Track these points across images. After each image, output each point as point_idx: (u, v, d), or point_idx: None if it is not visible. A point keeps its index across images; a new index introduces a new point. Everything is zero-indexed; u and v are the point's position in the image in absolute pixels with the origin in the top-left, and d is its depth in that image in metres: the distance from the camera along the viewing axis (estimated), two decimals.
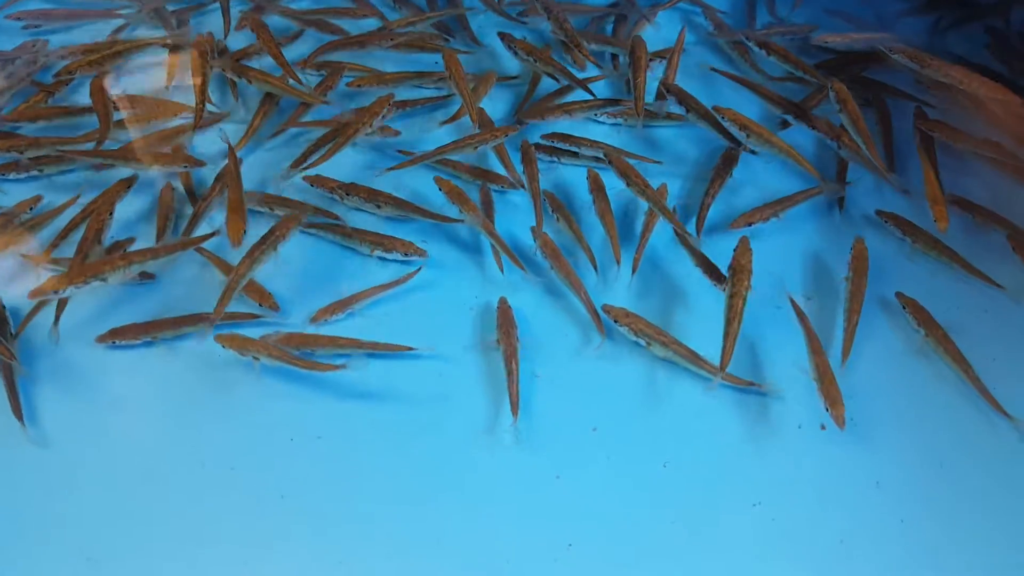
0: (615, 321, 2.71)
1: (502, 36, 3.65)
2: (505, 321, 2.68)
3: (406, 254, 2.87)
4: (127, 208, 2.97)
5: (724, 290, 2.73)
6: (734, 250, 2.80)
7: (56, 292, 2.52)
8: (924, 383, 2.69)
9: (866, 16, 4.12)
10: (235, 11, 3.72)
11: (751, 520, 2.37)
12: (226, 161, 3.02)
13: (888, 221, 3.10)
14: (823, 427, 2.55)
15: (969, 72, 3.25)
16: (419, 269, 2.86)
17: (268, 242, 2.67)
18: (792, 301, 2.82)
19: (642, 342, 2.68)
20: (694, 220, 3.11)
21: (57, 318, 2.65)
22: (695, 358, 2.63)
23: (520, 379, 2.55)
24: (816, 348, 2.64)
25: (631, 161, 3.14)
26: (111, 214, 2.82)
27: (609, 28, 3.96)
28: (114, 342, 2.59)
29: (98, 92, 3.15)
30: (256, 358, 2.52)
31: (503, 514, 2.36)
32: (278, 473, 2.40)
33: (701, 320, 2.79)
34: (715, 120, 3.22)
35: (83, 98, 3.28)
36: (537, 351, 2.69)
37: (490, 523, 2.34)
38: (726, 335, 2.60)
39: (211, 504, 2.34)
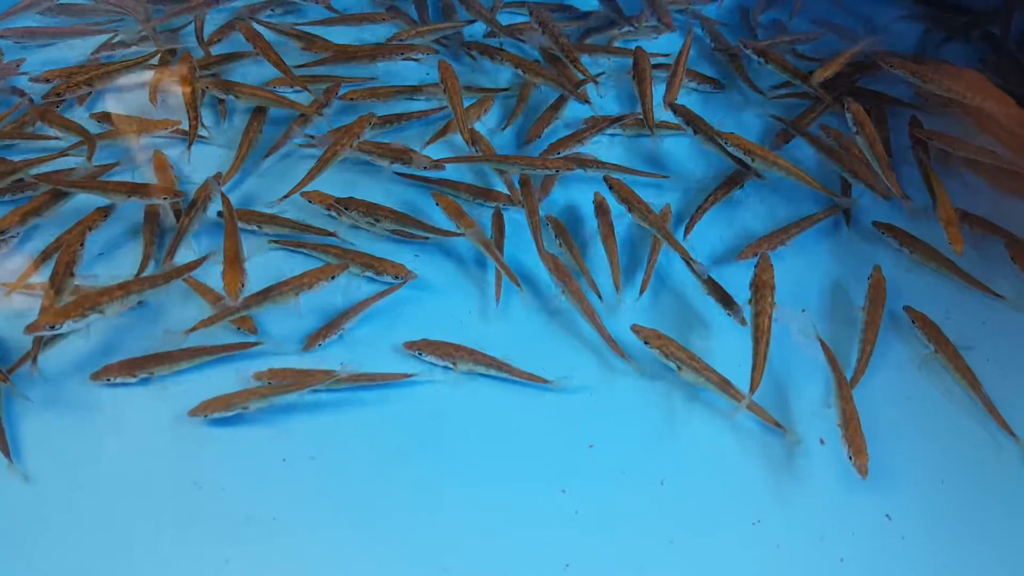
0: (645, 342, 2.60)
1: (471, 46, 3.67)
2: None
3: (397, 276, 2.83)
4: (113, 220, 2.95)
5: (733, 315, 2.70)
6: (755, 266, 2.76)
7: (53, 327, 2.41)
8: (928, 399, 2.66)
9: (855, 24, 4.11)
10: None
11: (750, 538, 2.33)
12: (206, 176, 3.03)
13: (885, 232, 3.07)
14: (822, 441, 2.52)
15: (973, 84, 3.23)
16: (403, 283, 2.83)
17: (291, 286, 2.66)
18: (823, 344, 2.71)
19: (672, 366, 2.58)
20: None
21: (35, 356, 2.55)
22: (726, 386, 2.53)
23: (508, 371, 2.62)
24: (844, 394, 2.53)
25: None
26: (83, 245, 2.74)
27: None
28: (108, 379, 2.52)
29: (51, 114, 3.13)
30: (245, 408, 2.45)
31: (500, 533, 2.32)
32: (271, 494, 2.36)
33: (714, 340, 2.76)
34: (726, 150, 3.18)
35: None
36: (532, 369, 2.64)
37: (487, 542, 2.30)
38: (755, 355, 2.54)
39: (205, 526, 2.29)
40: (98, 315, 2.48)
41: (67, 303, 2.48)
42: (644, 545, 2.31)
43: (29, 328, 2.42)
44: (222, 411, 2.43)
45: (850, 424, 2.44)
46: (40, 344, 2.56)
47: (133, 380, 2.54)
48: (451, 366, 2.62)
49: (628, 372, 2.67)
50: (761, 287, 2.67)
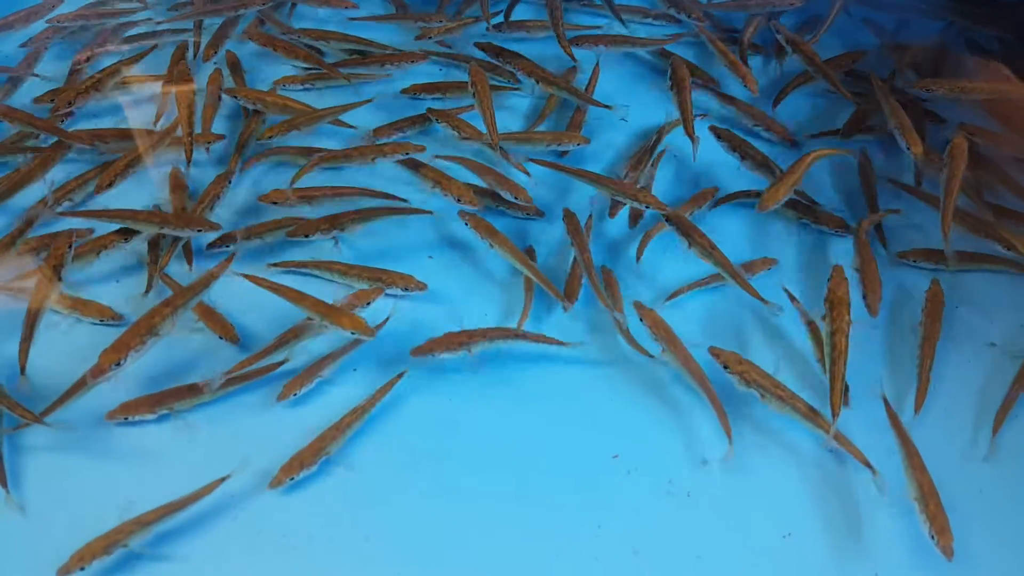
0: (725, 367, 2.45)
1: (484, 48, 3.54)
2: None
3: (406, 288, 2.75)
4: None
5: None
6: (828, 281, 2.61)
7: (118, 365, 2.27)
8: (955, 415, 2.57)
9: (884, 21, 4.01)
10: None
11: (781, 551, 2.25)
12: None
13: (913, 260, 2.93)
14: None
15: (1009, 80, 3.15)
16: (385, 321, 2.64)
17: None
18: (888, 407, 2.49)
19: (755, 393, 2.44)
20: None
21: (23, 367, 2.46)
22: (813, 415, 2.39)
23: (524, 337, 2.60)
24: (917, 464, 2.30)
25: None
26: (71, 247, 2.62)
27: None
28: (126, 418, 2.39)
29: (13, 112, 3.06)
30: (125, 545, 2.13)
31: (519, 547, 2.25)
32: (284, 511, 2.29)
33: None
34: (772, 167, 3.11)
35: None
36: (552, 386, 2.58)
37: (506, 556, 2.23)
38: (832, 377, 2.40)
39: (216, 554, 2.21)
40: (154, 338, 2.37)
41: (121, 335, 2.33)
42: (670, 560, 2.23)
43: (94, 372, 2.26)
44: (101, 555, 2.09)
45: (930, 500, 2.22)
46: (27, 353, 2.46)
47: (152, 417, 2.42)
48: (468, 353, 2.53)
49: (651, 381, 2.60)
50: (837, 304, 2.51)
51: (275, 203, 2.93)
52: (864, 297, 2.67)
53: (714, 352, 2.50)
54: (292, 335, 2.52)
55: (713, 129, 3.22)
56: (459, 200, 2.86)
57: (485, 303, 2.82)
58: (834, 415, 2.36)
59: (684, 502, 2.34)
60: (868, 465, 2.35)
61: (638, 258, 2.90)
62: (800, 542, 2.27)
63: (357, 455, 2.41)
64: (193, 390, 2.44)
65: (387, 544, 2.24)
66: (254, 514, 2.28)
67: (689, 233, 2.75)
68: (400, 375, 2.51)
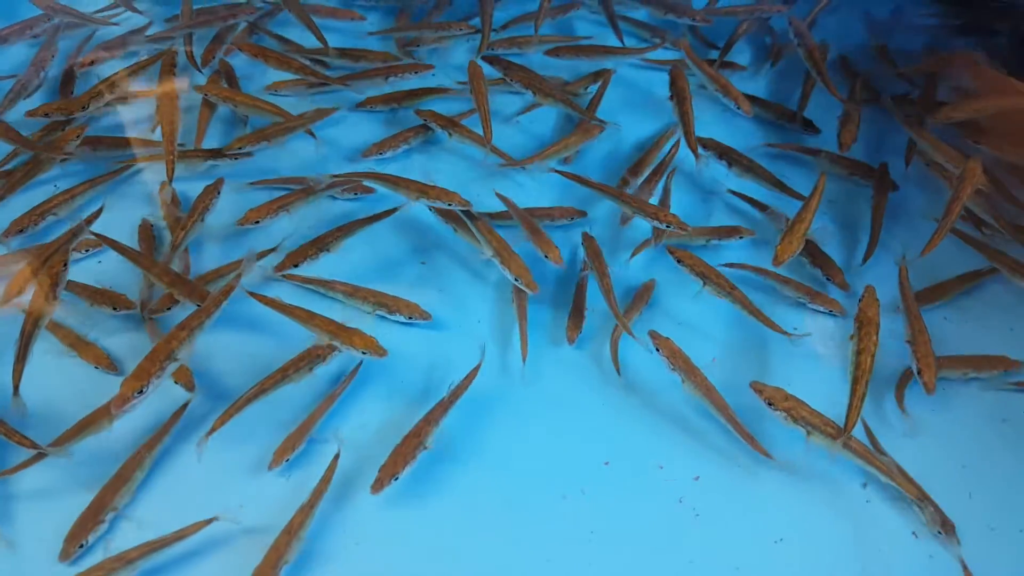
0: (769, 403, 2.40)
1: (488, 61, 3.47)
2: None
3: (410, 317, 2.72)
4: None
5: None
6: (860, 300, 2.59)
7: (141, 393, 2.18)
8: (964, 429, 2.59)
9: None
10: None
11: (773, 557, 2.27)
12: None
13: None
14: (864, 485, 2.43)
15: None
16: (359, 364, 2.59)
17: (306, 361, 2.49)
18: (928, 499, 2.39)
19: (801, 431, 2.38)
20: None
21: (16, 387, 2.38)
22: (868, 455, 2.36)
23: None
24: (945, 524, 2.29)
25: None
26: (66, 265, 2.54)
27: None
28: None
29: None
30: None
31: (509, 553, 2.26)
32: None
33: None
34: (767, 175, 3.10)
35: None
36: (549, 407, 2.59)
37: (495, 560, 2.25)
38: (852, 395, 2.37)
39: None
40: (173, 363, 2.29)
41: (141, 362, 2.24)
42: (662, 565, 2.25)
43: (117, 404, 2.16)
44: None
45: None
46: (20, 375, 2.39)
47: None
48: (425, 449, 2.34)
49: (642, 390, 2.61)
50: (866, 324, 2.49)
51: (257, 222, 2.89)
52: (918, 373, 2.53)
53: (756, 388, 2.45)
54: (274, 381, 2.46)
55: (698, 140, 3.17)
56: (517, 279, 2.72)
57: (480, 306, 2.84)
58: (847, 430, 2.34)
59: (676, 508, 2.36)
60: (924, 498, 2.33)
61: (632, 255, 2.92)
62: (791, 547, 2.29)
63: (351, 461, 2.40)
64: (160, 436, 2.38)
65: (381, 550, 2.26)
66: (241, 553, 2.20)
67: (704, 273, 2.72)
68: (333, 463, 2.35)
